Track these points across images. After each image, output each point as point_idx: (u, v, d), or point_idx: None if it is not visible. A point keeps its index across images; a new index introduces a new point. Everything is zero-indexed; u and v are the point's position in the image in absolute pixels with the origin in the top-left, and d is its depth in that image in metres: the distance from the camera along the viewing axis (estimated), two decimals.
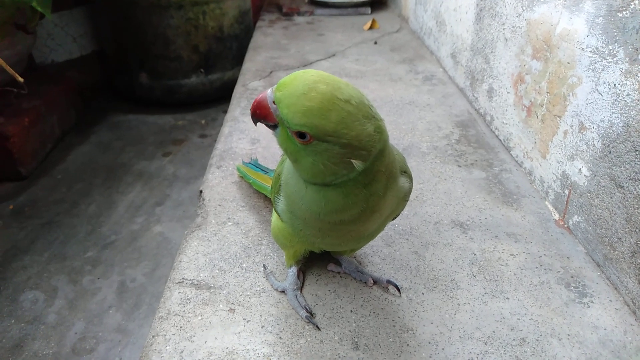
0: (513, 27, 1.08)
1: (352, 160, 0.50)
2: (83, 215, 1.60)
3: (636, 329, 0.66)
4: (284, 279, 0.74)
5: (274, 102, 0.51)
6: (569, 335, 0.65)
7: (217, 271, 0.76)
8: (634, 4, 0.69)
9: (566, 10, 0.87)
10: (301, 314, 0.67)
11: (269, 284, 0.74)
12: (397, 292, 0.72)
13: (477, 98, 1.31)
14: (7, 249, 1.44)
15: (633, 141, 0.69)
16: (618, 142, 0.72)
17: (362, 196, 0.53)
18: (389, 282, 0.72)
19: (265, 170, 0.95)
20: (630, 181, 0.69)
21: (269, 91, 0.52)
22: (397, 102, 1.37)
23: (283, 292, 0.72)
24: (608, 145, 0.75)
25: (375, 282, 0.73)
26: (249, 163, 0.99)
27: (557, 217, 0.89)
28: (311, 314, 0.68)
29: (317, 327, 0.66)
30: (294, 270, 0.73)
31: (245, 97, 1.42)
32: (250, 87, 1.50)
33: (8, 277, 1.33)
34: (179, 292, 0.72)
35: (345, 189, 0.52)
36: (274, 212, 0.71)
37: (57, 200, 1.68)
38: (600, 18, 0.77)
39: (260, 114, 0.53)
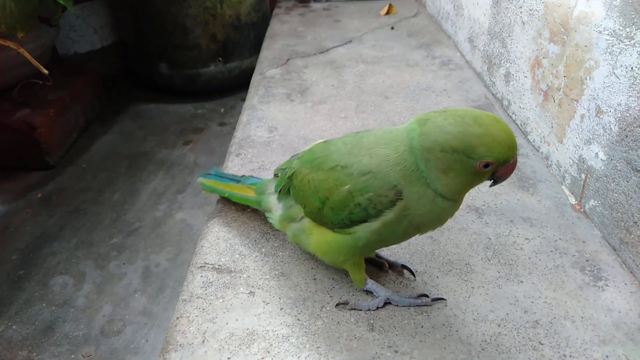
0: (530, 10, 1.07)
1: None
2: (108, 203, 1.65)
3: None
4: (365, 297, 0.70)
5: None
6: (582, 317, 0.66)
7: (238, 256, 0.79)
8: None
9: None
10: (423, 302, 0.68)
11: (363, 312, 0.68)
12: (411, 276, 0.74)
13: (494, 83, 1.30)
14: (37, 236, 1.50)
15: None
16: (635, 125, 0.72)
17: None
18: (403, 266, 0.74)
19: (234, 179, 0.86)
20: None
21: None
22: (414, 88, 1.37)
23: (388, 303, 0.69)
24: (625, 129, 0.74)
25: (390, 267, 0.75)
26: (209, 174, 0.90)
27: (573, 201, 0.89)
28: (427, 296, 0.69)
29: (441, 298, 0.69)
30: (370, 281, 0.69)
31: (263, 86, 1.44)
32: (268, 75, 1.52)
33: (39, 263, 1.39)
34: (201, 276, 0.75)
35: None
36: (308, 230, 0.68)
37: (83, 189, 1.73)
38: (618, 0, 0.76)
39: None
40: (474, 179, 0.56)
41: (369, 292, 0.70)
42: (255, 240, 0.82)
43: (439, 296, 0.70)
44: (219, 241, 0.82)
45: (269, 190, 0.77)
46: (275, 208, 0.75)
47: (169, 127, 2.16)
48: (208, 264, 0.78)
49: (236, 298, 0.71)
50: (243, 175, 0.87)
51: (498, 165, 0.55)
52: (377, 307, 0.68)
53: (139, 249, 1.44)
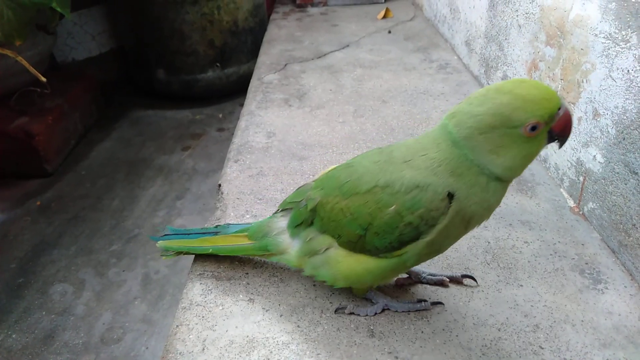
0: (526, 13, 1.08)
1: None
2: (107, 209, 1.65)
3: None
4: (364, 304, 0.70)
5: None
6: (582, 321, 0.66)
7: (237, 263, 0.79)
8: None
9: None
10: (423, 307, 0.68)
11: (362, 317, 0.68)
12: (474, 283, 0.72)
13: None
14: (36, 244, 1.49)
15: None
16: (632, 128, 0.72)
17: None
18: (463, 276, 0.72)
19: (207, 233, 0.76)
20: None
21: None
22: (412, 91, 1.37)
23: (387, 309, 0.68)
24: (622, 132, 0.75)
25: (450, 280, 0.73)
26: (167, 235, 0.78)
27: (572, 204, 0.89)
28: (425, 300, 0.68)
29: (439, 302, 0.68)
30: (371, 290, 0.69)
31: (261, 91, 1.44)
32: (266, 80, 1.52)
33: (38, 271, 1.39)
34: (201, 284, 0.75)
35: None
36: (334, 261, 0.63)
37: (82, 196, 1.73)
38: (613, 3, 0.76)
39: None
40: (529, 147, 0.53)
41: (367, 299, 0.70)
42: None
43: (438, 300, 0.69)
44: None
45: (275, 230, 0.70)
46: (290, 247, 0.68)
47: (167, 133, 2.16)
48: (207, 271, 0.77)
49: (236, 305, 0.71)
50: (217, 225, 0.78)
51: (547, 122, 0.52)
52: (376, 313, 0.68)
53: (138, 256, 1.44)
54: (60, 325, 1.22)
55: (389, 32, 1.91)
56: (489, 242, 0.81)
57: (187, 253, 0.77)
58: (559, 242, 0.81)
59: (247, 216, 0.90)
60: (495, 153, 0.53)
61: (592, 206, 0.83)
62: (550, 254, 0.78)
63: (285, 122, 1.24)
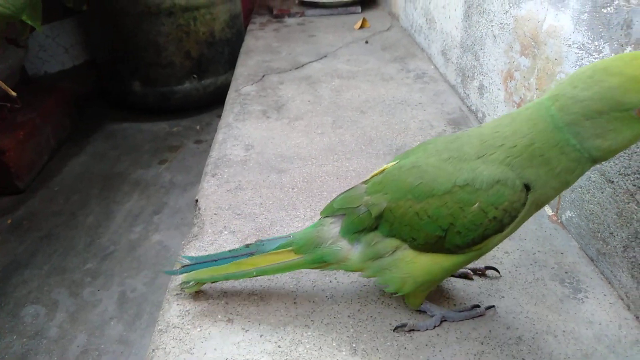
0: (501, 24, 1.09)
1: None
2: (81, 226, 1.61)
3: (631, 322, 0.67)
4: (417, 316, 0.69)
5: None
6: (564, 331, 0.66)
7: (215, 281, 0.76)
8: (618, 0, 0.70)
9: (552, 6, 0.87)
10: (478, 313, 0.68)
11: (421, 330, 0.67)
12: (497, 273, 0.75)
13: (468, 95, 1.32)
14: (7, 264, 1.44)
15: None
16: None
17: None
18: (487, 267, 0.75)
19: (240, 255, 0.69)
20: (620, 176, 0.70)
21: None
22: (389, 102, 1.38)
23: (445, 321, 0.68)
24: None
25: (474, 272, 0.75)
26: (190, 266, 0.71)
27: (550, 212, 0.90)
28: (479, 306, 0.69)
29: (492, 306, 0.69)
30: (425, 302, 0.68)
31: (239, 103, 1.42)
32: (243, 92, 1.51)
33: (9, 292, 1.34)
34: (178, 304, 0.73)
35: None
36: (404, 261, 0.61)
37: (55, 213, 1.68)
38: (586, 14, 0.77)
39: None
40: None
41: (422, 311, 0.69)
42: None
43: (490, 304, 0.70)
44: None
45: (329, 240, 0.66)
46: (350, 253, 0.65)
47: (144, 146, 2.12)
48: (184, 291, 0.75)
49: (214, 326, 0.69)
50: (248, 245, 0.70)
51: None
52: (435, 326, 0.67)
53: (114, 274, 1.40)
54: (32, 349, 1.17)
55: (366, 42, 1.92)
56: None
57: (207, 282, 0.72)
58: (538, 251, 0.81)
59: (225, 232, 0.88)
60: (602, 137, 0.50)
61: (570, 215, 0.84)
62: (531, 264, 0.78)
63: (263, 134, 1.23)
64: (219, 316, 0.70)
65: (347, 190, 0.68)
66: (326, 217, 0.68)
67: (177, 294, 0.74)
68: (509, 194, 0.54)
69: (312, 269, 0.69)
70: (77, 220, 1.64)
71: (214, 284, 0.74)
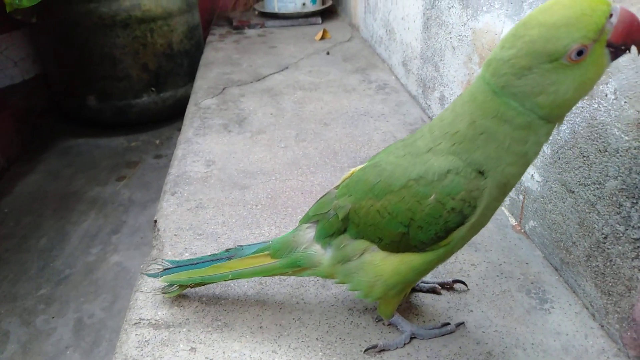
0: (459, 35, 1.10)
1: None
2: (34, 250, 1.52)
3: (596, 331, 0.68)
4: (387, 335, 0.68)
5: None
6: (532, 344, 0.66)
7: (176, 307, 0.73)
8: None
9: (508, 19, 0.89)
10: (448, 330, 0.68)
11: (391, 349, 0.66)
12: (465, 287, 0.75)
13: (429, 105, 1.33)
14: None
15: (580, 147, 0.70)
16: (566, 148, 0.74)
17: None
18: (454, 281, 0.75)
19: (218, 259, 0.70)
20: (580, 186, 0.71)
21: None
22: (352, 113, 1.37)
23: (415, 338, 0.67)
24: (557, 152, 0.76)
25: (442, 286, 0.75)
26: (169, 269, 0.72)
27: (514, 222, 0.91)
28: (449, 323, 0.68)
29: (461, 323, 0.69)
30: (397, 314, 0.67)
31: (199, 117, 1.39)
32: (203, 105, 1.47)
33: None
34: (136, 334, 0.69)
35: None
36: (371, 264, 0.60)
37: (5, 236, 1.59)
38: None
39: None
40: (583, 73, 0.46)
41: (392, 324, 0.68)
42: (194, 289, 0.76)
43: (460, 320, 0.69)
44: (156, 292, 0.76)
45: (303, 244, 0.66)
46: (323, 257, 0.64)
47: (100, 162, 2.04)
48: (143, 319, 0.71)
49: (176, 356, 0.65)
50: (228, 249, 0.72)
51: (595, 39, 0.44)
52: (405, 344, 0.66)
53: (69, 299, 1.33)
54: None
55: (328, 53, 1.92)
56: (437, 268, 0.80)
57: (197, 285, 0.73)
58: (504, 262, 0.81)
59: (187, 254, 0.84)
60: (543, 93, 0.47)
61: (533, 224, 0.85)
62: (497, 275, 0.78)
63: (225, 149, 1.20)
64: (181, 345, 0.67)
65: (322, 197, 0.69)
66: (303, 223, 0.68)
67: (135, 323, 0.70)
68: (463, 183, 0.52)
69: (288, 275, 0.69)
70: (29, 243, 1.55)
71: (193, 288, 0.74)
